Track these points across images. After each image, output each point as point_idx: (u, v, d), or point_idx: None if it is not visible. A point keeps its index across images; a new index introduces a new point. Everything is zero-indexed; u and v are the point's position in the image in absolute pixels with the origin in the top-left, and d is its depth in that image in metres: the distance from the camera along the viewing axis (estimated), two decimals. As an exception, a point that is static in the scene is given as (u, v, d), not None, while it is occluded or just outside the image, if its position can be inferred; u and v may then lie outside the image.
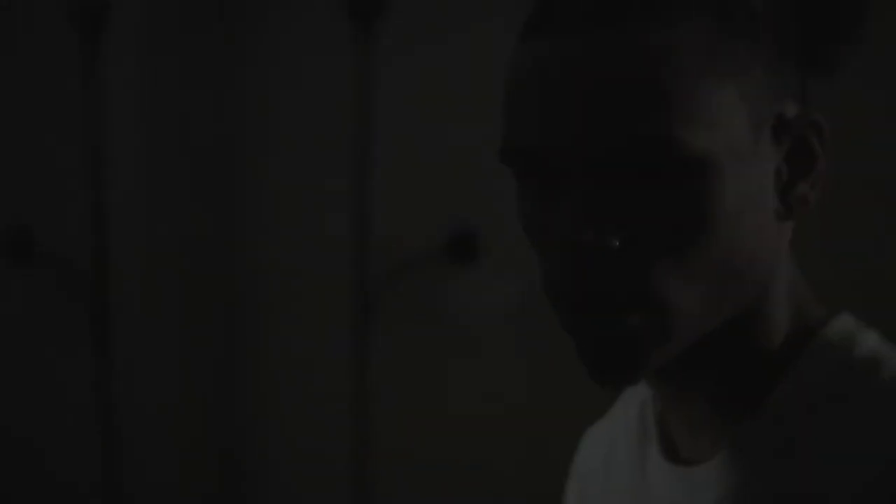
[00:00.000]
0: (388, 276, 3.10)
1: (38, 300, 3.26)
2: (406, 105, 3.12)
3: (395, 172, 3.13)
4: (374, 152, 3.08)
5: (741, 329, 0.97)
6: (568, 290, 0.91)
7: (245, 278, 3.38)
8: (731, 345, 0.97)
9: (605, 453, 1.14)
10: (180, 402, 3.29)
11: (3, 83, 3.25)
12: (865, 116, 2.55)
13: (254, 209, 3.36)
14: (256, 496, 3.39)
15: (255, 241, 3.37)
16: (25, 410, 3.28)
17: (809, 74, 0.98)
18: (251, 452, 3.40)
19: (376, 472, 3.14)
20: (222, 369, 3.38)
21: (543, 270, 0.93)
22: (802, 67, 0.97)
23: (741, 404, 0.98)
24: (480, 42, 3.00)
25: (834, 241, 2.57)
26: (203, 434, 3.35)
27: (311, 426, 3.31)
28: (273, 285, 3.34)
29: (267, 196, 3.34)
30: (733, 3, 0.92)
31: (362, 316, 3.09)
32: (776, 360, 0.98)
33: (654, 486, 1.04)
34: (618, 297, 0.90)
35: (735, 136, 0.91)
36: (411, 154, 3.12)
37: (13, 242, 3.18)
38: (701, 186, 0.89)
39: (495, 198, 2.93)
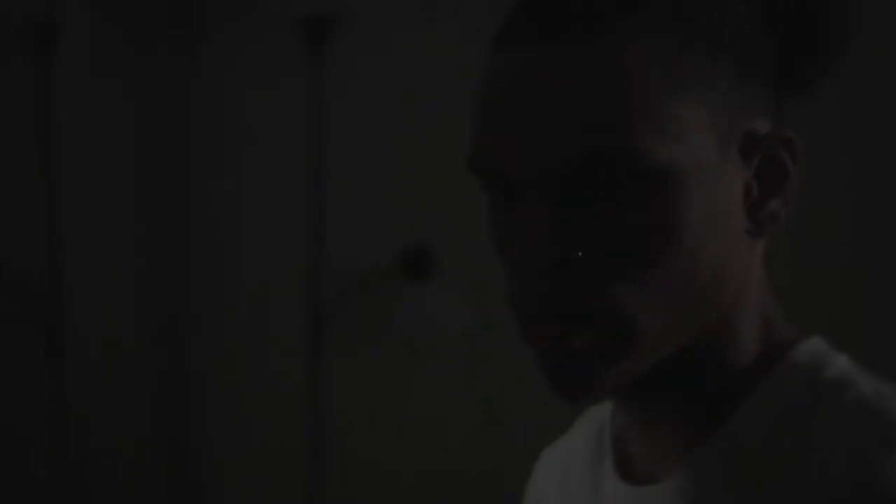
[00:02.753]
0: (342, 294, 3.10)
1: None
2: (358, 123, 3.13)
3: (348, 190, 3.13)
4: (327, 170, 3.08)
5: (707, 348, 0.95)
6: (525, 304, 0.90)
7: (197, 298, 3.37)
8: (697, 364, 0.95)
9: (560, 473, 1.13)
10: (134, 422, 3.28)
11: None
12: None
13: (206, 229, 3.35)
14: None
15: (208, 260, 3.36)
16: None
17: (787, 92, 0.97)
18: (206, 473, 3.39)
19: (331, 489, 3.14)
20: (176, 389, 3.37)
21: (507, 283, 0.92)
22: (778, 85, 0.96)
23: (705, 424, 0.96)
24: (431, 58, 3.01)
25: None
26: (156, 454, 3.34)
27: (264, 445, 3.31)
28: (226, 304, 3.33)
29: (219, 216, 3.33)
30: (698, 19, 0.91)
31: (316, 334, 3.09)
32: (743, 381, 0.96)
33: None
34: (574, 311, 0.88)
35: (699, 149, 0.89)
36: (364, 171, 3.13)
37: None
38: (662, 199, 0.88)
39: (449, 214, 2.94)
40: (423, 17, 3.03)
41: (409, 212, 3.07)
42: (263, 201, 3.27)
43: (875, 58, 2.51)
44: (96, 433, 3.23)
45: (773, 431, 0.93)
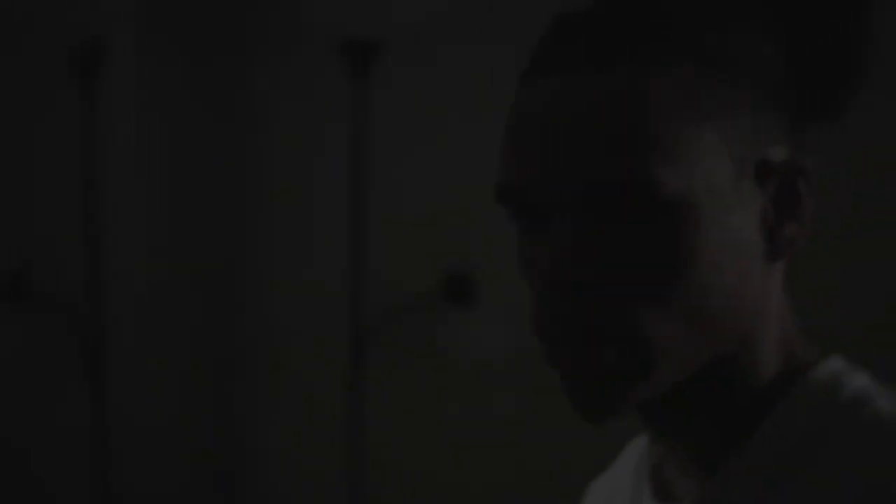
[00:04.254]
0: (385, 318, 3.10)
1: (36, 341, 3.26)
2: (402, 147, 3.14)
3: (392, 213, 3.14)
4: (370, 193, 3.09)
5: (727, 369, 0.97)
6: (547, 325, 0.92)
7: (243, 320, 3.38)
8: (718, 385, 0.97)
9: None
10: (176, 445, 3.29)
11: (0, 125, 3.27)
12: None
13: (252, 250, 3.37)
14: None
15: (253, 283, 3.37)
16: (22, 448, 3.28)
17: (807, 121, 0.99)
18: (249, 497, 3.39)
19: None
20: (218, 412, 3.38)
21: (531, 306, 0.95)
22: (797, 113, 0.98)
23: (728, 444, 0.98)
24: (475, 82, 3.02)
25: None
26: (198, 477, 3.35)
27: (307, 467, 3.31)
28: (271, 327, 3.34)
29: (265, 238, 3.35)
30: (714, 48, 0.93)
31: (358, 358, 3.09)
32: (764, 401, 0.97)
33: None
34: (594, 332, 0.91)
35: (714, 177, 0.92)
36: (407, 194, 3.13)
37: (11, 284, 3.19)
38: (679, 226, 0.91)
39: (491, 238, 2.94)
40: (468, 41, 3.03)
41: (451, 236, 3.08)
42: (308, 224, 3.28)
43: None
44: (136, 456, 3.24)
45: (793, 450, 0.95)
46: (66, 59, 3.09)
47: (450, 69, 3.07)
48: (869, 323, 2.53)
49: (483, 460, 3.07)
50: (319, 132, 3.24)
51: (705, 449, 0.99)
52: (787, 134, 0.97)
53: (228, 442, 3.40)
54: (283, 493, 3.35)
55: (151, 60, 3.22)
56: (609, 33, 0.92)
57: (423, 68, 3.10)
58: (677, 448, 1.00)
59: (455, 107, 3.06)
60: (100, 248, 3.12)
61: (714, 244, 0.92)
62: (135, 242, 3.22)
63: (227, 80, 3.34)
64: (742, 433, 0.97)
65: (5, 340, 3.28)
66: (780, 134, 0.96)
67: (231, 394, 3.39)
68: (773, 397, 0.97)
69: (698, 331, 0.93)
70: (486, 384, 3.06)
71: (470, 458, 3.09)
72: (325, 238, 3.23)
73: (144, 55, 3.21)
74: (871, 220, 2.58)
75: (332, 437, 3.21)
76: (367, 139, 3.07)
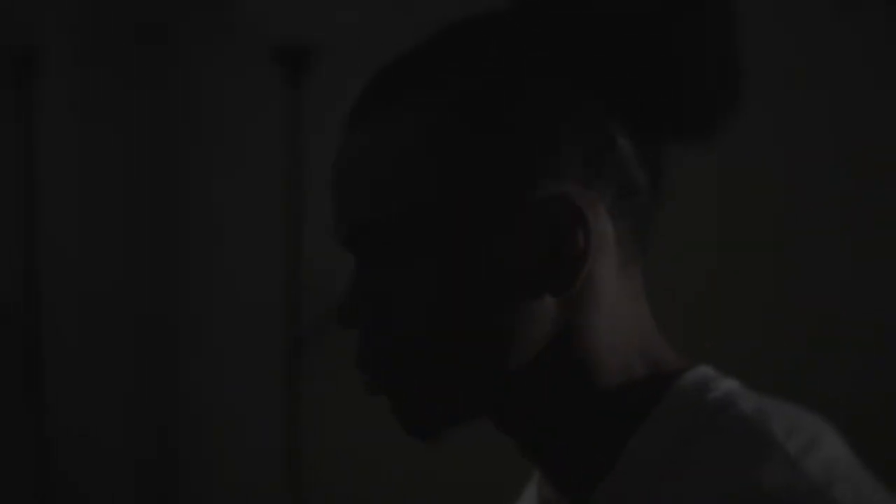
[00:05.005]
0: (322, 325, 3.11)
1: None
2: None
3: (329, 214, 3.13)
4: (307, 194, 3.09)
5: (562, 399, 0.98)
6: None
7: (180, 318, 3.38)
8: (566, 408, 0.98)
9: None
10: (112, 449, 3.29)
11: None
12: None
13: (188, 250, 3.36)
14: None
15: (190, 281, 3.37)
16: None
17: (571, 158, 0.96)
18: (187, 501, 3.40)
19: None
20: (155, 416, 3.38)
21: None
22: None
23: (599, 461, 0.98)
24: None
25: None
26: (135, 482, 3.35)
27: (244, 468, 3.32)
28: (209, 328, 3.35)
29: (201, 242, 3.34)
30: (469, 91, 0.94)
31: (295, 358, 3.10)
32: (631, 414, 0.98)
33: None
34: (367, 368, 0.98)
35: (457, 217, 0.93)
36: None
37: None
38: (409, 268, 0.94)
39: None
40: (404, 49, 3.03)
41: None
42: (244, 231, 3.28)
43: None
44: (75, 460, 3.24)
45: (664, 455, 0.96)
46: (2, 65, 3.06)
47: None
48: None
49: (425, 462, 3.09)
50: (255, 137, 3.24)
51: (578, 473, 1.00)
52: (549, 170, 0.94)
53: (165, 446, 3.40)
54: (223, 499, 3.36)
55: (86, 69, 3.20)
56: (371, 90, 0.98)
57: (359, 75, 3.08)
58: (552, 472, 1.02)
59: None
60: (34, 254, 3.11)
61: (471, 283, 0.94)
62: (73, 247, 3.21)
63: (162, 82, 3.33)
64: (614, 447, 0.98)
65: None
66: (543, 170, 0.94)
67: (171, 397, 3.39)
68: (640, 409, 0.98)
69: (451, 365, 0.96)
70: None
71: (412, 460, 3.10)
72: (261, 246, 3.23)
73: (79, 63, 3.19)
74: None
75: (274, 441, 3.22)
76: (302, 145, 3.07)
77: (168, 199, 3.36)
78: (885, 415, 2.40)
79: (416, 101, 0.94)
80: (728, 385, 0.98)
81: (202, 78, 3.29)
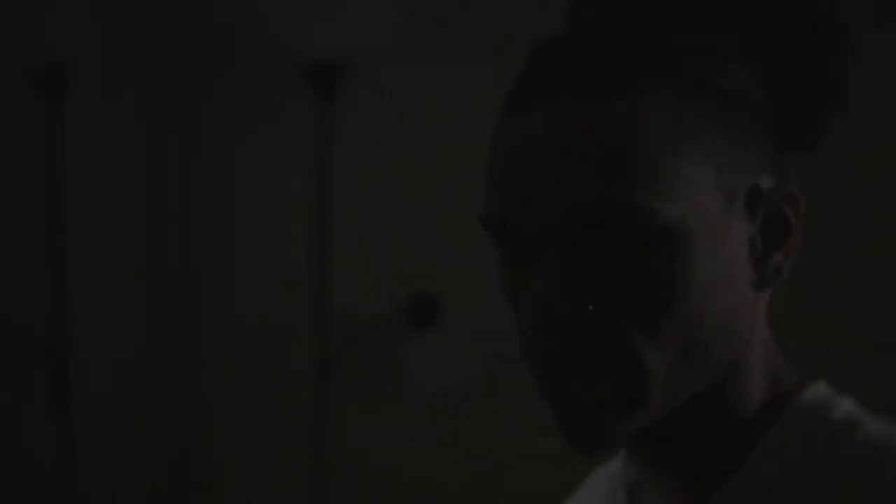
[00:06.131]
0: (348, 341, 3.09)
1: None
2: (365, 170, 3.13)
3: (355, 236, 3.13)
4: (334, 215, 3.08)
5: (716, 398, 0.97)
6: (542, 357, 0.92)
7: (204, 342, 3.36)
8: (706, 413, 0.97)
9: None
10: (138, 472, 3.27)
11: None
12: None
13: (213, 270, 3.35)
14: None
15: (214, 305, 3.36)
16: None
17: (790, 148, 0.99)
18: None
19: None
20: (181, 439, 3.36)
21: (521, 336, 0.94)
22: (780, 141, 0.98)
23: (717, 474, 0.98)
24: (440, 107, 3.01)
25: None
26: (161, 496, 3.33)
27: (270, 493, 3.29)
28: (232, 350, 3.33)
29: (227, 261, 3.33)
30: (696, 76, 0.93)
31: (321, 381, 3.08)
32: (752, 429, 0.98)
33: None
34: (590, 362, 0.91)
35: (705, 206, 0.92)
36: (371, 217, 3.13)
37: None
38: (669, 255, 0.90)
39: (457, 260, 2.94)
40: (434, 65, 3.03)
41: (417, 259, 3.07)
42: (272, 248, 3.27)
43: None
44: (101, 482, 3.21)
45: (787, 476, 0.95)
46: (27, 82, 3.06)
47: (415, 92, 3.07)
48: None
49: (450, 485, 3.06)
50: (283, 154, 3.24)
51: (693, 478, 0.98)
52: (772, 162, 0.97)
53: (188, 470, 3.38)
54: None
55: (114, 87, 3.21)
56: (590, 64, 0.92)
57: (389, 91, 3.09)
58: (663, 476, 1.00)
59: (419, 130, 3.06)
60: (63, 275, 3.10)
61: (705, 273, 0.92)
62: (98, 268, 3.20)
63: (190, 103, 3.33)
64: (731, 461, 0.97)
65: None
66: (766, 162, 0.96)
67: (195, 419, 3.37)
68: (761, 424, 0.98)
69: (691, 360, 0.93)
70: (452, 407, 3.05)
71: (437, 484, 3.08)
72: (289, 262, 3.22)
73: (107, 81, 3.20)
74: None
75: (298, 464, 3.19)
76: (331, 162, 3.06)
77: (194, 217, 3.35)
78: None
79: (649, 82, 0.91)
80: (848, 404, 1.00)
81: (231, 96, 3.30)
